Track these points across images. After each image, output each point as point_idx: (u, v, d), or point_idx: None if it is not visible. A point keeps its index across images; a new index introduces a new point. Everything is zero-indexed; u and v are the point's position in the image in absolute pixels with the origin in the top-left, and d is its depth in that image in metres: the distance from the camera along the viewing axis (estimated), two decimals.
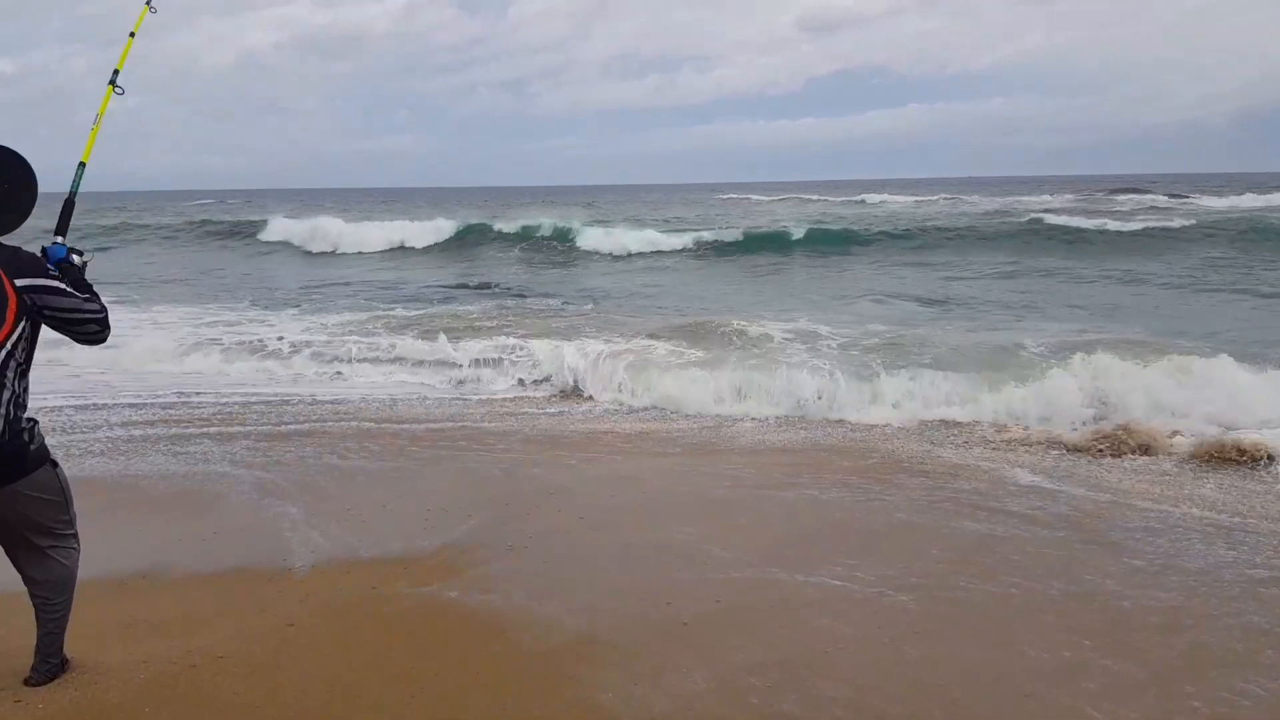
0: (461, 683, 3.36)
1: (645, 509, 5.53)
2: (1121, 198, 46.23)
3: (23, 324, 2.77)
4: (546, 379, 9.43)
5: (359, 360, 10.26)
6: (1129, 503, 5.66)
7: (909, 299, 15.64)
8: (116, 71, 3.43)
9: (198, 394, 8.75)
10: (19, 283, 2.74)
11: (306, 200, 72.18)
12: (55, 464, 2.97)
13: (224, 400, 8.52)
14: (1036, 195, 52.22)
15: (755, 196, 67.29)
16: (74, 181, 3.19)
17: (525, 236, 25.90)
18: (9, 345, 2.74)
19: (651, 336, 11.05)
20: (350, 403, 8.53)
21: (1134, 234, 23.04)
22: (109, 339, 3.01)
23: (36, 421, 2.90)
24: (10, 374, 2.75)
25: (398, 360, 10.25)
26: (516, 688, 3.33)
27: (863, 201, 49.74)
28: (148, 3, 3.70)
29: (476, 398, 8.89)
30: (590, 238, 24.74)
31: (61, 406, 7.98)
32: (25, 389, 2.84)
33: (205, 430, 7.33)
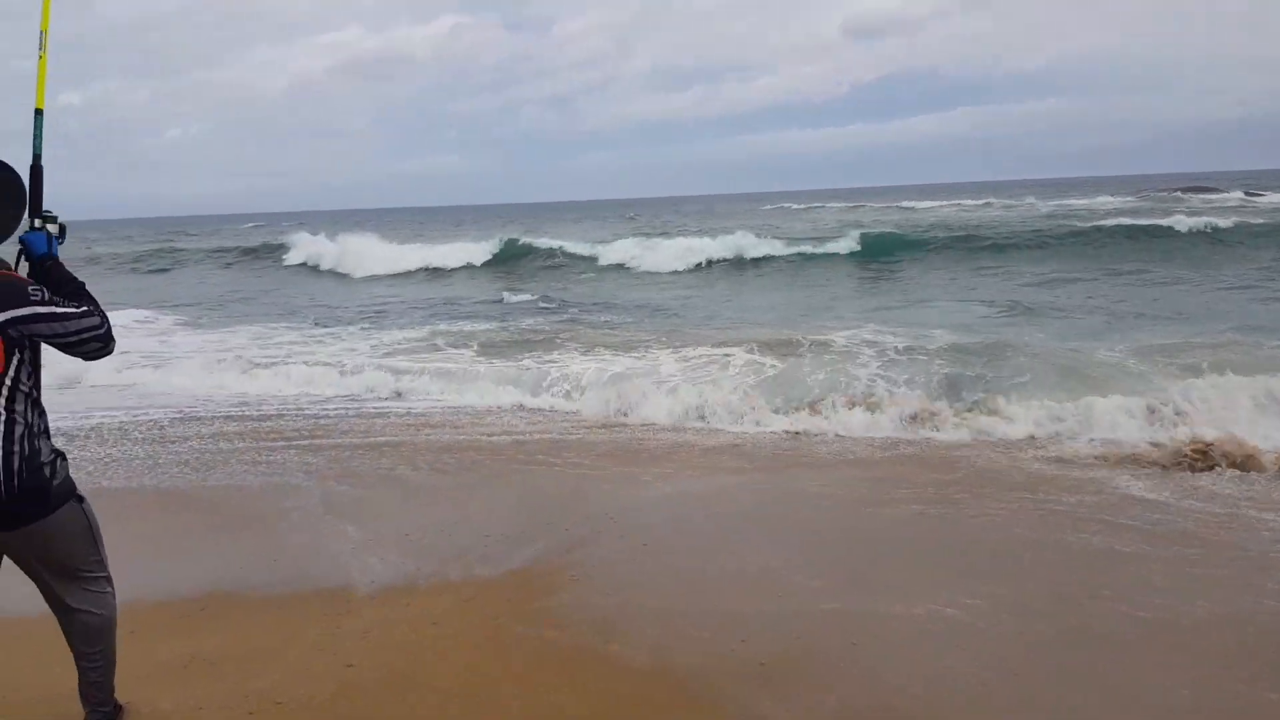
0: None
1: (719, 532, 5.19)
2: (1192, 196, 44.54)
3: (15, 358, 2.51)
4: (616, 394, 9.11)
5: (432, 374, 10.16)
6: (1253, 515, 5.15)
7: (985, 305, 15.02)
8: (43, 33, 2.78)
9: (280, 407, 8.87)
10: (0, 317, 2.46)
11: (359, 220, 73.40)
12: (81, 499, 2.73)
13: (307, 413, 8.58)
14: (1094, 198, 50.44)
15: (796, 205, 66.55)
16: (35, 137, 2.70)
17: (570, 253, 25.47)
18: (7, 381, 2.49)
19: (720, 346, 10.80)
20: (419, 416, 8.48)
21: (1223, 231, 21.83)
22: (115, 350, 2.69)
23: (62, 454, 2.67)
24: (20, 406, 2.52)
25: (468, 376, 10.08)
26: None
27: (911, 209, 48.73)
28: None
29: (549, 411, 8.62)
30: (636, 251, 24.24)
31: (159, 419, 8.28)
32: (40, 417, 2.61)
33: (282, 442, 7.35)
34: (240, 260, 31.62)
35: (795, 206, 63.05)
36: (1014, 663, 3.50)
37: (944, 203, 54.34)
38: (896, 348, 10.37)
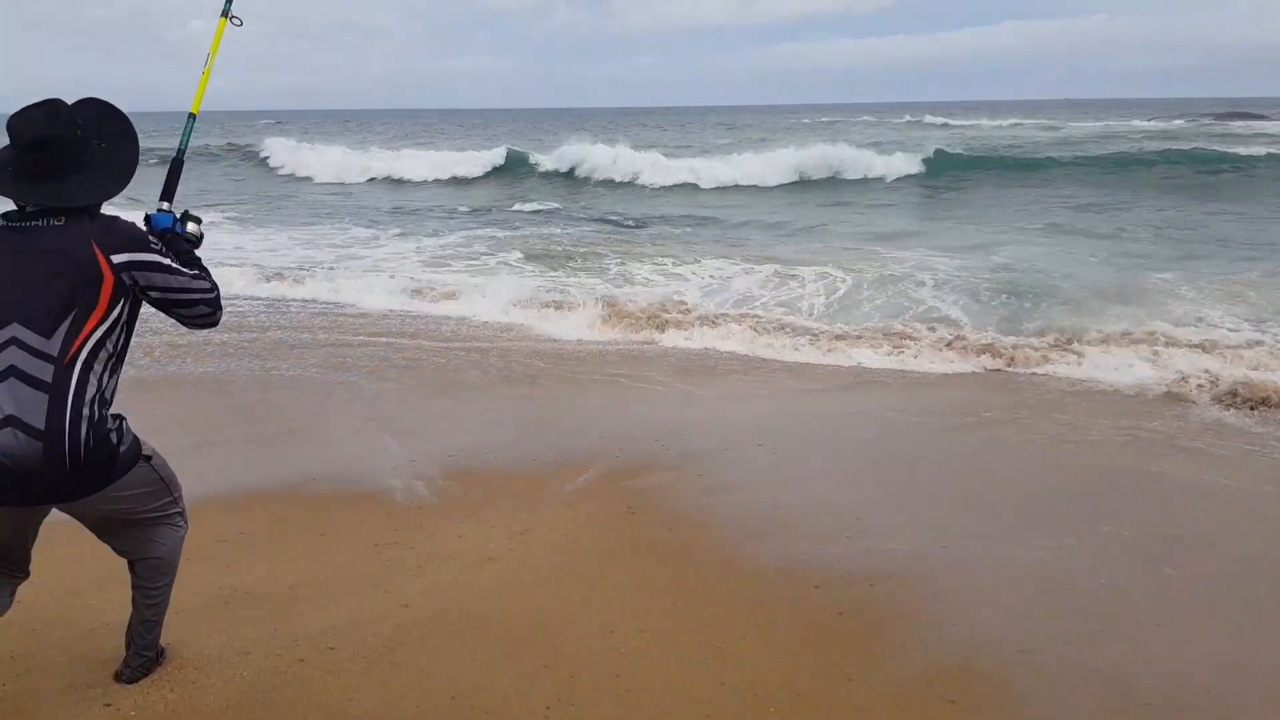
0: (591, 692, 2.79)
1: (788, 462, 4.89)
2: (1236, 124, 43.03)
3: (119, 307, 2.32)
4: (682, 303, 8.88)
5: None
6: None
7: (1041, 231, 14.44)
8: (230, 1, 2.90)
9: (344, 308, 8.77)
10: (116, 259, 2.30)
11: (388, 120, 72.68)
12: (149, 457, 2.53)
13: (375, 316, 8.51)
14: (1138, 120, 48.71)
15: (831, 119, 64.72)
16: (183, 136, 2.76)
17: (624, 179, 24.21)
18: (99, 333, 2.29)
19: (777, 261, 10.62)
20: (477, 325, 8.38)
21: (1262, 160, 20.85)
22: (221, 319, 2.57)
23: (123, 418, 2.47)
24: (99, 368, 2.30)
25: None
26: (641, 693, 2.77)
27: (960, 126, 47.13)
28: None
29: (598, 324, 8.35)
30: (665, 166, 23.47)
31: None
32: (114, 385, 2.40)
33: (335, 341, 7.16)
34: (232, 160, 31.50)
35: (827, 120, 61.09)
36: (1112, 615, 3.24)
37: (998, 121, 52.55)
38: (959, 274, 10.14)
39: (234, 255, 12.57)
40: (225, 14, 2.89)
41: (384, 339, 7.85)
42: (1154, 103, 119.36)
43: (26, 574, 2.59)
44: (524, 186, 23.23)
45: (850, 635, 3.18)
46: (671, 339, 7.87)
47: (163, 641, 2.86)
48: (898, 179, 21.48)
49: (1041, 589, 3.53)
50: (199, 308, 2.46)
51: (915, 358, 7.15)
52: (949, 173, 21.55)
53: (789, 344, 7.60)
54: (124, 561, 2.69)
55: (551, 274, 11.05)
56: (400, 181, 25.29)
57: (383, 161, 27.24)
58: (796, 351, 7.40)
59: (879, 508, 4.33)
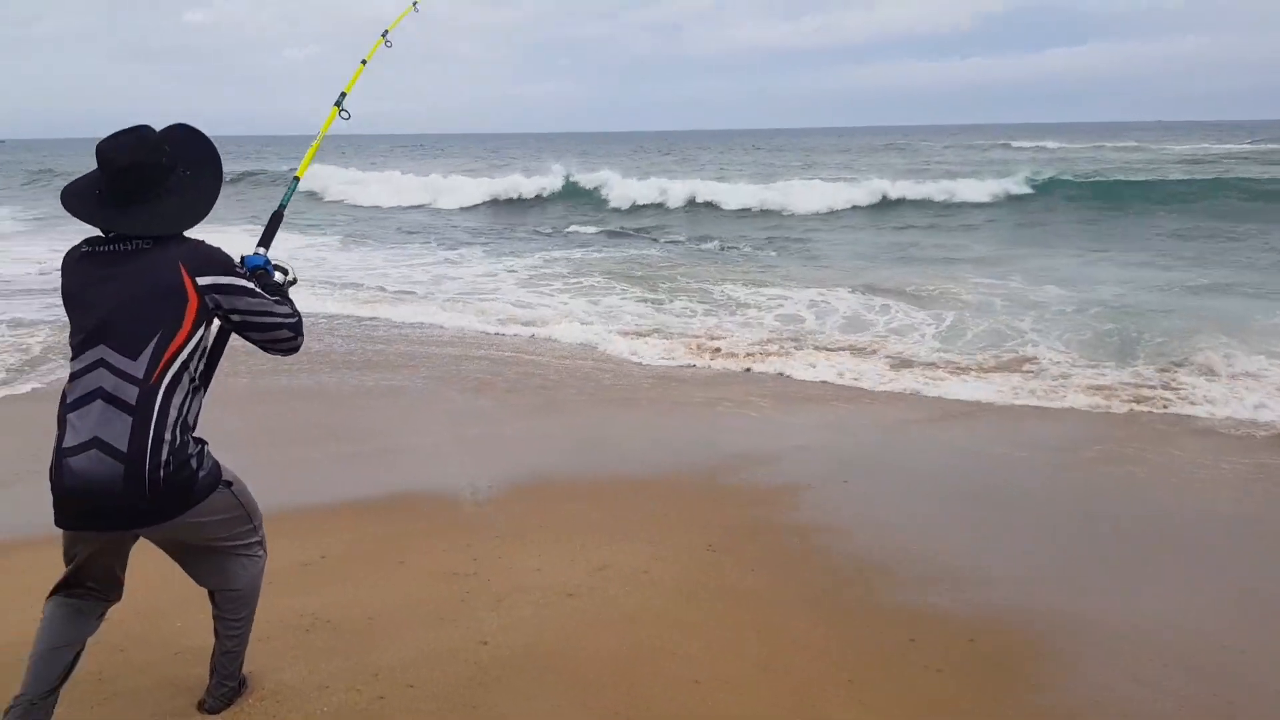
0: None
1: (882, 498, 4.69)
2: None
3: (202, 329, 2.33)
4: (778, 329, 8.81)
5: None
6: None
7: (1147, 258, 13.84)
8: (344, 94, 3.22)
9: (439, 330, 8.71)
10: (201, 281, 2.30)
11: (479, 145, 74.25)
12: (229, 483, 2.50)
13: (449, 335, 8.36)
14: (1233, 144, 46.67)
15: (911, 140, 63.57)
16: (285, 194, 2.94)
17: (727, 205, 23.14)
18: (183, 355, 2.29)
19: (872, 289, 10.46)
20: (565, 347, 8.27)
21: None
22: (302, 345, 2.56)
23: (205, 443, 2.45)
24: (181, 392, 2.31)
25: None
26: None
27: (1050, 148, 45.84)
28: (384, 35, 3.56)
29: (686, 353, 8.21)
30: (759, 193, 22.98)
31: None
32: (197, 408, 2.40)
33: (427, 355, 7.06)
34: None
35: (904, 141, 60.05)
36: (1250, 684, 2.96)
37: (1085, 144, 51.00)
38: (1063, 303, 9.82)
39: (331, 274, 12.92)
40: (338, 104, 3.20)
41: (481, 357, 7.91)
42: (1253, 124, 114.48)
43: (118, 598, 2.57)
44: (593, 209, 23.24)
45: (949, 697, 2.98)
46: (771, 366, 7.68)
47: (245, 670, 2.83)
48: (990, 203, 20.83)
49: (1167, 651, 3.26)
50: (280, 331, 2.45)
51: (1025, 391, 6.82)
52: (1048, 197, 20.83)
53: (888, 373, 7.36)
54: None
55: (650, 296, 10.97)
56: (469, 207, 25.08)
57: (449, 183, 27.35)
58: (895, 381, 7.14)
59: (984, 552, 4.11)
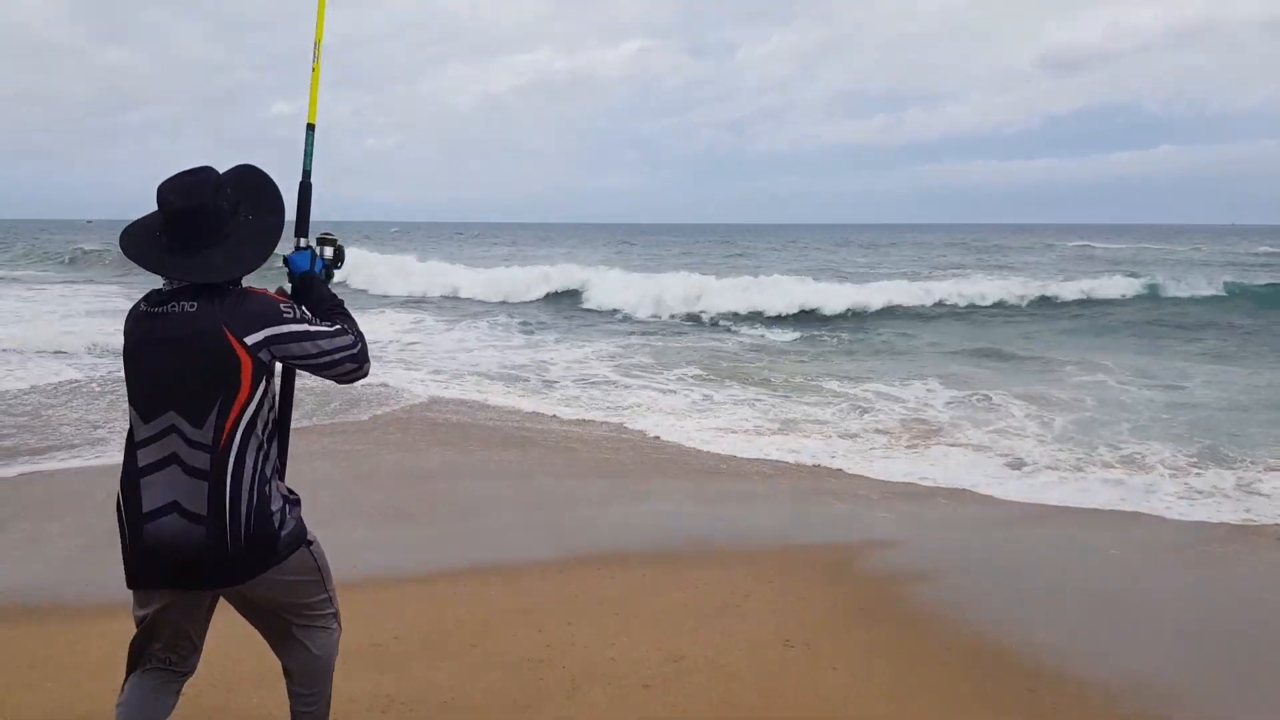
0: None
1: (988, 593, 4.53)
2: None
3: (262, 385, 2.27)
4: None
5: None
6: None
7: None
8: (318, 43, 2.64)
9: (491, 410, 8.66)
10: (249, 340, 2.22)
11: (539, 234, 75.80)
12: (311, 541, 2.47)
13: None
14: None
15: (986, 240, 63.02)
16: (305, 154, 2.57)
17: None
18: (249, 413, 2.24)
19: (953, 383, 10.33)
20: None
21: None
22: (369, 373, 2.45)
23: (290, 499, 2.41)
24: (253, 449, 2.26)
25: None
26: None
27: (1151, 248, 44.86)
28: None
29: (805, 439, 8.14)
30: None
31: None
32: (274, 455, 2.37)
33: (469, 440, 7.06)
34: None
35: (974, 240, 59.47)
36: None
37: (1169, 246, 49.78)
38: (1156, 406, 9.47)
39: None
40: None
41: (586, 445, 7.92)
42: None
43: (193, 669, 2.50)
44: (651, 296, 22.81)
45: None
46: (880, 463, 7.49)
47: None
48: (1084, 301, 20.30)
49: None
50: (344, 365, 2.36)
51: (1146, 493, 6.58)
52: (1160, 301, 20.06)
53: (997, 471, 7.18)
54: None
55: (756, 391, 10.70)
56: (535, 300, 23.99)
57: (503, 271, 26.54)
58: (1002, 483, 6.90)
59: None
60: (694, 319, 19.24)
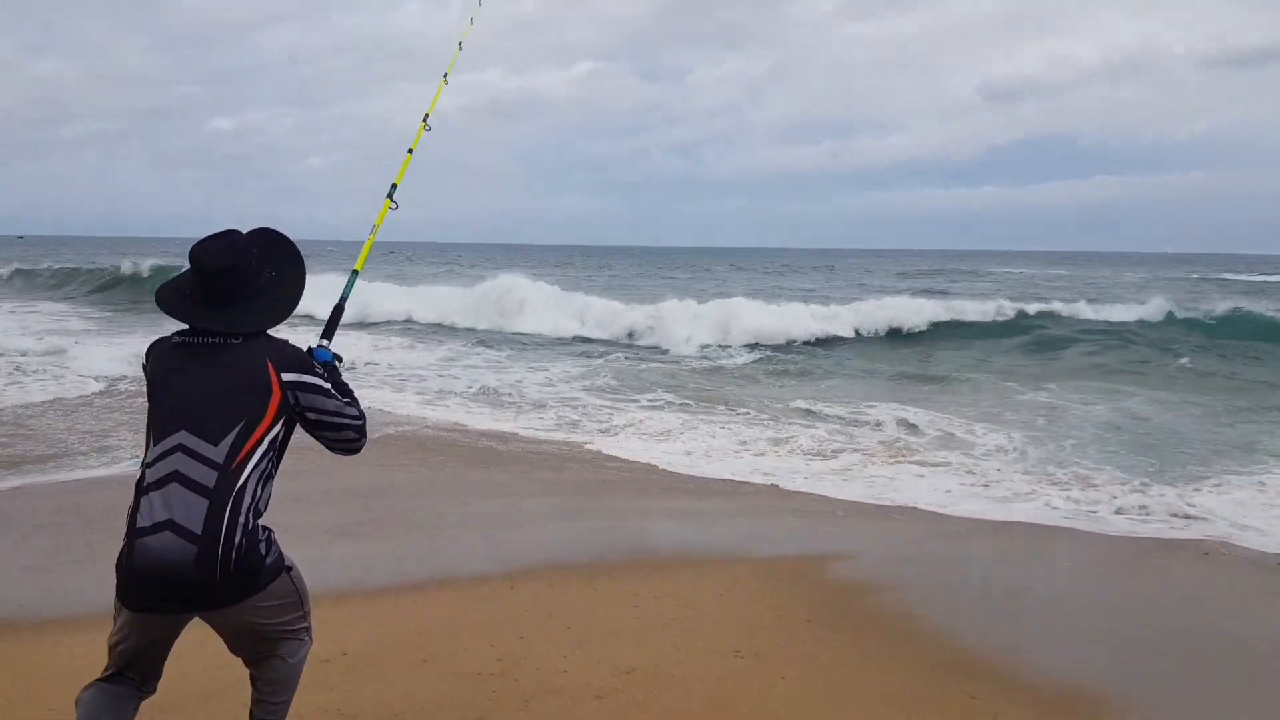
0: None
1: (933, 603, 4.63)
2: None
3: (280, 423, 2.44)
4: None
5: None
6: None
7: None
8: (394, 186, 3.31)
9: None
10: (285, 377, 2.43)
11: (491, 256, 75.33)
12: (290, 567, 2.56)
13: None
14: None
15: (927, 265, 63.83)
16: (345, 288, 3.02)
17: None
18: (264, 445, 2.40)
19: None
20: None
21: None
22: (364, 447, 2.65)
23: (272, 530, 2.52)
24: (256, 477, 2.40)
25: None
26: None
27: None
28: (425, 120, 3.67)
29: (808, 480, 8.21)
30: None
31: None
32: (268, 496, 2.48)
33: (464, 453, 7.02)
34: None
35: (931, 268, 59.73)
36: None
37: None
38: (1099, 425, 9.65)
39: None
40: (390, 195, 3.28)
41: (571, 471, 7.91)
42: (1259, 259, 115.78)
43: (153, 690, 2.55)
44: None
45: None
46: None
47: None
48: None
49: None
50: (348, 433, 2.55)
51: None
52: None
53: (946, 488, 7.31)
54: (231, 674, 2.71)
55: (713, 410, 10.74)
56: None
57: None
58: (952, 499, 6.99)
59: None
60: (654, 346, 18.89)
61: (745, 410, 10.67)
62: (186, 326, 2.48)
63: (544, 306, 22.12)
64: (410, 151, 3.56)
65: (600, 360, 15.67)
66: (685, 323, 19.56)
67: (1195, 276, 50.18)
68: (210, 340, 2.43)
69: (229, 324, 2.44)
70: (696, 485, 7.29)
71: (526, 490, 6.95)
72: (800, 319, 20.48)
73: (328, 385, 2.51)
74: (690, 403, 11.24)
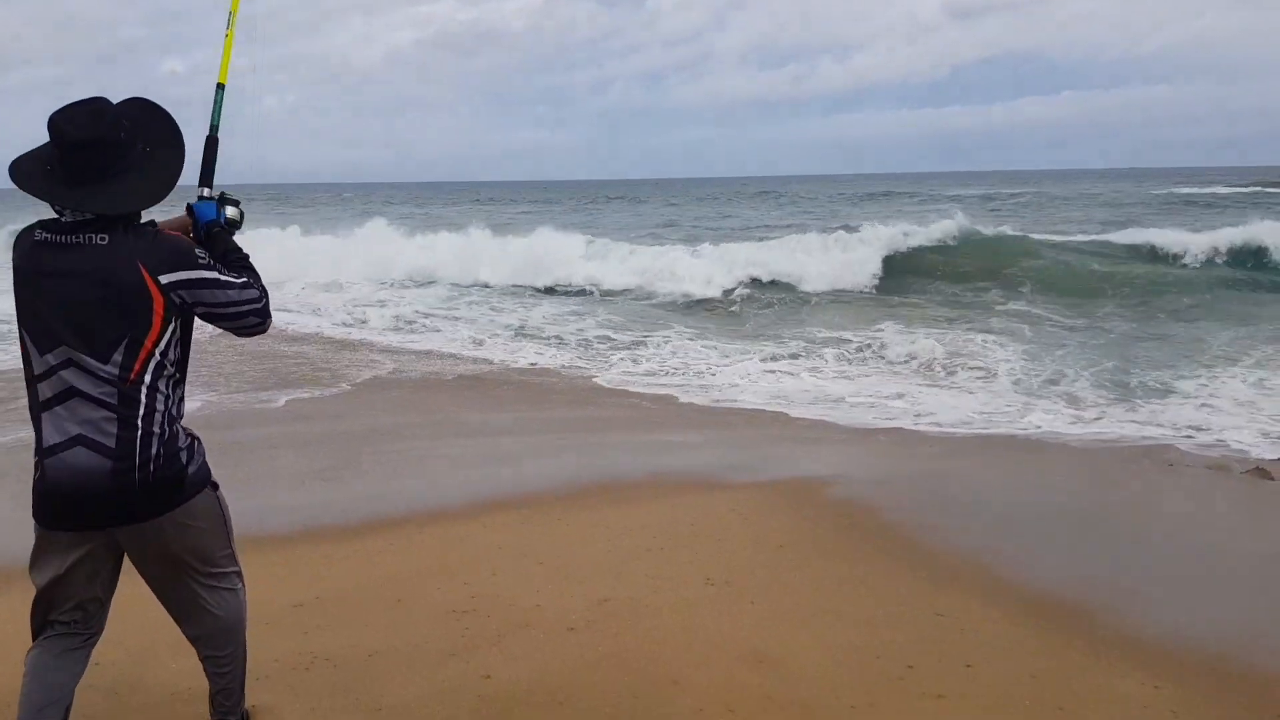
0: None
1: (906, 521, 4.70)
2: None
3: (172, 325, 2.27)
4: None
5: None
6: None
7: None
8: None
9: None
10: (164, 279, 2.21)
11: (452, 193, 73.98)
12: (215, 486, 2.44)
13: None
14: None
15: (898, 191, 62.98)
16: (214, 112, 2.57)
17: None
18: (157, 354, 2.24)
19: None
20: None
21: None
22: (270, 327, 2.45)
23: (196, 438, 2.40)
24: (162, 385, 2.27)
25: None
26: None
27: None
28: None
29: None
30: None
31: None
32: (180, 399, 2.36)
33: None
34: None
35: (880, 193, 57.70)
36: None
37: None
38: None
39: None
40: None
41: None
42: (1228, 170, 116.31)
43: (100, 630, 2.47)
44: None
45: None
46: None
47: (249, 706, 2.78)
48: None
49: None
50: (248, 319, 2.36)
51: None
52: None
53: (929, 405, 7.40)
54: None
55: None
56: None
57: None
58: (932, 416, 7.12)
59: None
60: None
61: (766, 341, 10.80)
62: (49, 219, 2.25)
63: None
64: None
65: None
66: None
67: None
68: (74, 239, 2.19)
69: (93, 204, 2.18)
70: (707, 416, 7.34)
71: (528, 428, 6.94)
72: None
73: (215, 273, 2.28)
74: (712, 335, 11.39)
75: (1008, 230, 20.95)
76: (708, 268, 17.23)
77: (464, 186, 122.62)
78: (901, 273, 17.04)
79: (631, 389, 8.55)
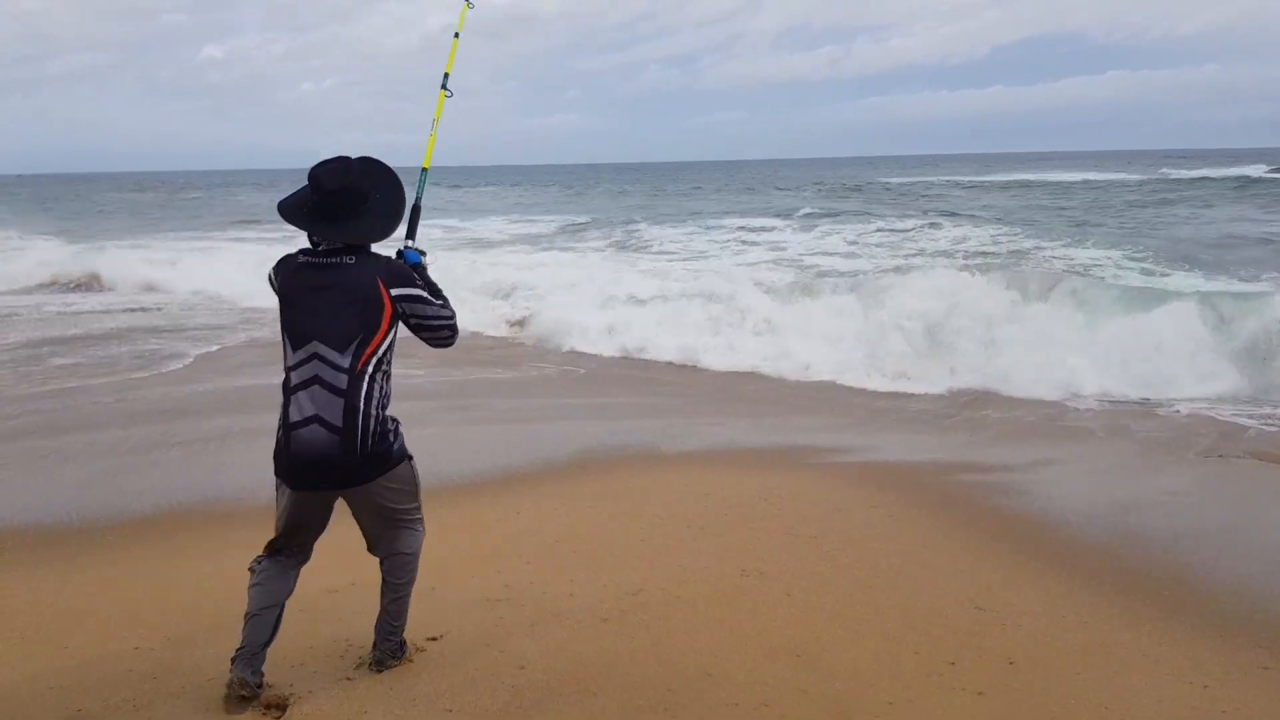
0: None
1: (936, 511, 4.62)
2: None
3: (394, 330, 2.85)
4: None
5: None
6: None
7: None
8: (446, 75, 3.47)
9: None
10: (394, 292, 2.83)
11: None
12: (411, 457, 3.01)
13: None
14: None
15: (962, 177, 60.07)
16: (418, 187, 3.25)
17: None
18: (380, 350, 2.82)
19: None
20: None
21: None
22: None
23: (398, 421, 2.96)
24: (379, 377, 2.83)
25: None
26: None
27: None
28: (467, 0, 3.76)
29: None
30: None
31: None
32: (389, 390, 2.90)
33: None
34: None
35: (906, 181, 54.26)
36: None
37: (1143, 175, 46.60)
38: None
39: None
40: (444, 86, 3.45)
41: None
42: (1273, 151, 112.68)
43: (308, 558, 3.07)
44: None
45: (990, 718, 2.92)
46: None
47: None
48: None
49: None
50: (443, 332, 2.96)
51: None
52: None
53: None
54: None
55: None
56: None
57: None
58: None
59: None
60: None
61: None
62: (310, 246, 2.85)
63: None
64: (456, 35, 3.64)
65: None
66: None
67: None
68: (330, 260, 2.81)
69: (343, 236, 2.81)
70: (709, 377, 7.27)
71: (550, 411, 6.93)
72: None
73: (428, 294, 2.90)
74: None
75: None
76: None
77: (498, 171, 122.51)
78: None
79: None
